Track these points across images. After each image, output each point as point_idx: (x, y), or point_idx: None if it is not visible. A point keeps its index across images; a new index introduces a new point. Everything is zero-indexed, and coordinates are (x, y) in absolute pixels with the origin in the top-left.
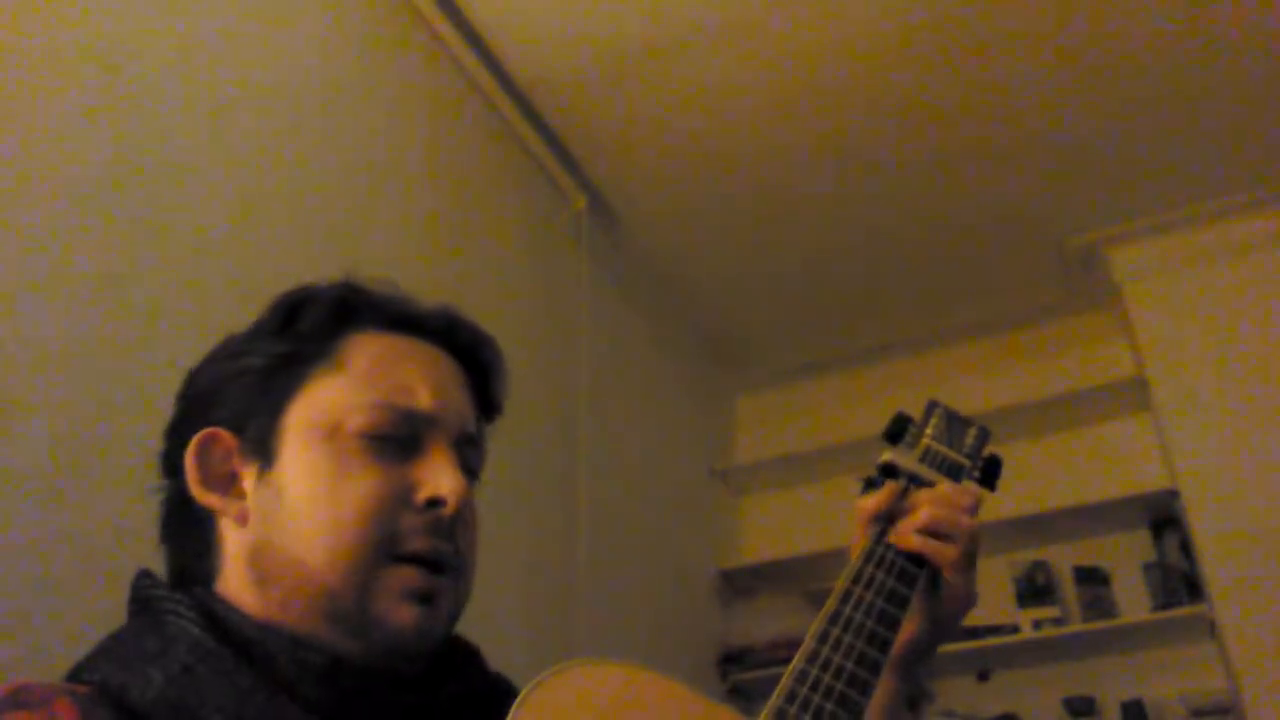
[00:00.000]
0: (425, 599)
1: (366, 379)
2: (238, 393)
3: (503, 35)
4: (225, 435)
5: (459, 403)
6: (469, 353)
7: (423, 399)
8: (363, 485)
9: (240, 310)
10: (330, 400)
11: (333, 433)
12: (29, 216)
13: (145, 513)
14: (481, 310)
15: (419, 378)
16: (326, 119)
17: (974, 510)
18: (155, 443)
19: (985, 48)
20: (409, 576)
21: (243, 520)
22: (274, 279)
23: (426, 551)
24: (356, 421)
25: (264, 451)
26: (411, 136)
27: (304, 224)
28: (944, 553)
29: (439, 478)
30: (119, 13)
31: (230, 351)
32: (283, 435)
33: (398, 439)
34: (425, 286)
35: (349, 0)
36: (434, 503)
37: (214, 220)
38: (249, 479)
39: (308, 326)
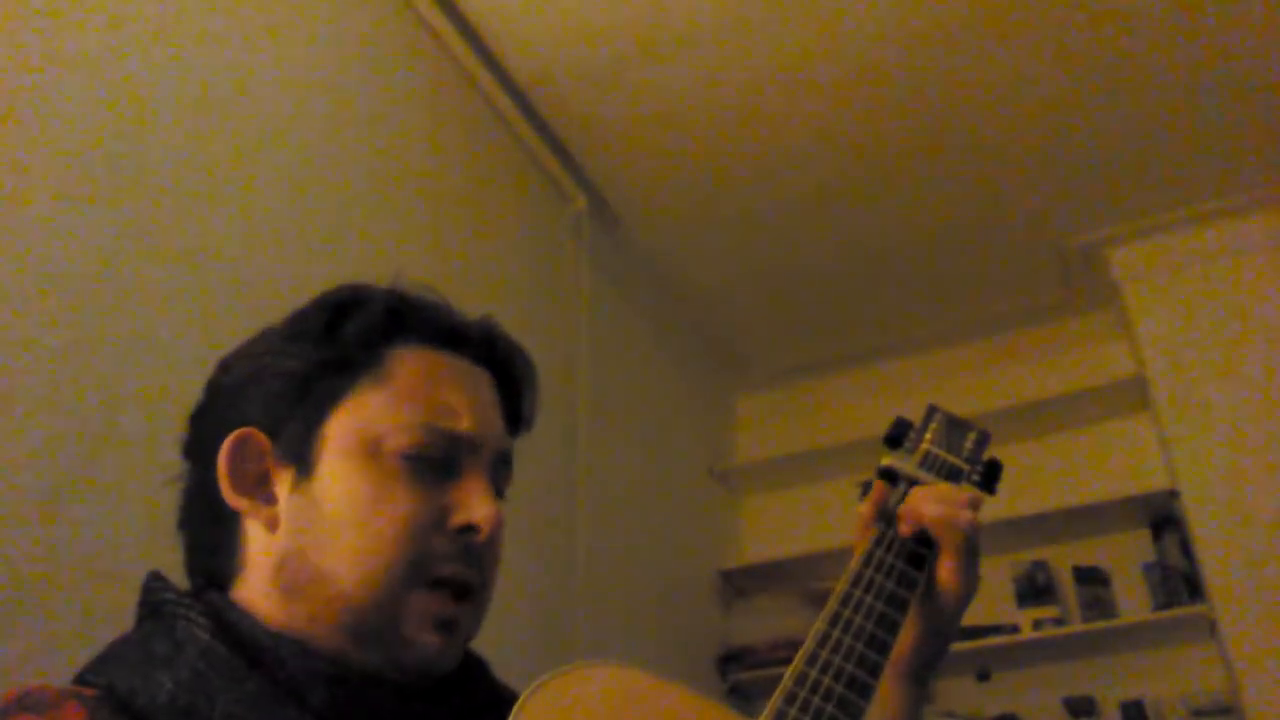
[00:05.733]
0: (447, 627)
1: (411, 397)
2: (275, 394)
3: (503, 34)
4: (260, 436)
5: (496, 424)
6: (504, 366)
7: (465, 422)
8: (401, 508)
9: (240, 308)
10: (374, 416)
11: (375, 450)
12: (29, 217)
13: (146, 513)
14: (481, 310)
15: (462, 399)
16: (326, 119)
17: (973, 506)
18: (156, 444)
19: (985, 48)
20: (436, 604)
21: (273, 526)
22: (273, 278)
23: (454, 577)
24: (399, 441)
25: (301, 458)
26: (411, 135)
27: (303, 223)
28: (950, 533)
29: (474, 504)
30: (120, 14)
31: (270, 348)
32: (322, 444)
33: (437, 460)
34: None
35: (349, 0)
36: (467, 529)
37: (213, 219)
38: (283, 484)
39: (354, 334)
